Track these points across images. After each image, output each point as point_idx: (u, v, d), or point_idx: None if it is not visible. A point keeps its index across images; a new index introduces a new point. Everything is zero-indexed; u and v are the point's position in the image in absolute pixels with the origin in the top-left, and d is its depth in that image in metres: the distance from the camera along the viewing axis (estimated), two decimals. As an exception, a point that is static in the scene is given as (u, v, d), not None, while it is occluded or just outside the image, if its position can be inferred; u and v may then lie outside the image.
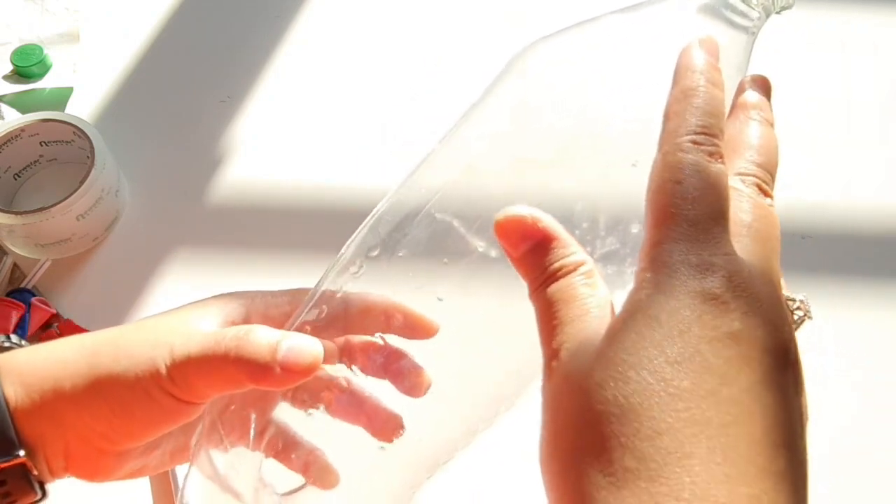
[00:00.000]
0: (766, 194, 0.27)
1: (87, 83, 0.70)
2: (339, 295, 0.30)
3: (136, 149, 0.66)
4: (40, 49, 0.70)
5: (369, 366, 0.30)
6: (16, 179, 0.63)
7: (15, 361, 0.32)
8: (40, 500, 0.32)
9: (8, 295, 0.58)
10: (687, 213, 0.23)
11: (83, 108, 0.68)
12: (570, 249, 0.25)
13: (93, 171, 0.59)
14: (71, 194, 0.57)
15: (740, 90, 0.29)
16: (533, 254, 0.25)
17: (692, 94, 0.25)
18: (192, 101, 0.69)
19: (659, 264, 0.23)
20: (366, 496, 0.31)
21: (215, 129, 0.68)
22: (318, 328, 0.30)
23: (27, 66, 0.69)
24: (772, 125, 0.28)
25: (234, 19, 0.74)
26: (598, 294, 0.24)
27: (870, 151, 0.67)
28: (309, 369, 0.28)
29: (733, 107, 0.28)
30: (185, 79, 0.71)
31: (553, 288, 0.24)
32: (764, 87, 0.29)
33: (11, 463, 0.30)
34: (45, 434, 0.31)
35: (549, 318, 0.24)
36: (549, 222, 0.25)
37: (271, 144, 0.67)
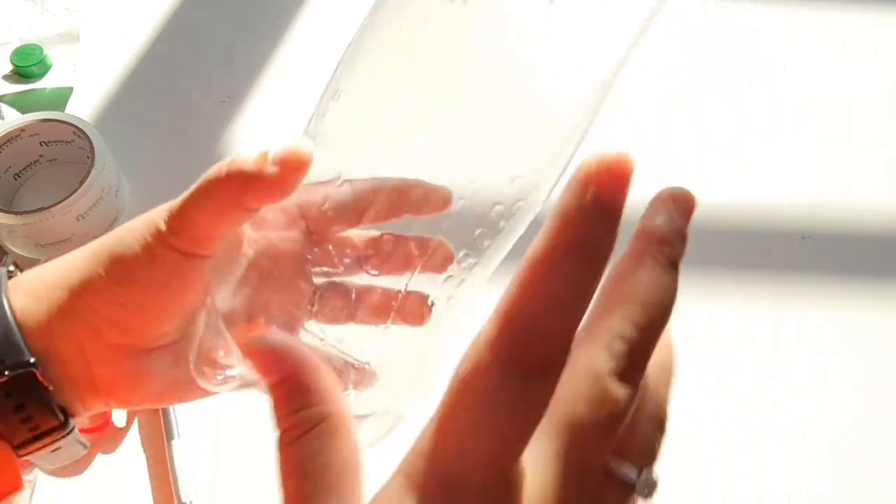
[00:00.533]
0: (633, 369, 0.21)
1: (87, 83, 0.70)
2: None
3: (136, 149, 0.66)
4: (40, 49, 0.70)
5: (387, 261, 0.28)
6: (16, 179, 0.63)
7: (23, 276, 0.33)
8: (63, 427, 0.31)
9: (8, 295, 0.58)
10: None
11: (83, 108, 0.68)
12: (314, 398, 0.23)
13: (93, 171, 0.59)
14: (71, 194, 0.57)
15: (646, 213, 0.23)
16: (282, 387, 0.23)
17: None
18: (192, 101, 0.69)
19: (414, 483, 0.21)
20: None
21: (215, 129, 0.68)
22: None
23: (27, 66, 0.69)
24: (676, 267, 0.22)
25: (234, 19, 0.74)
26: (338, 459, 0.22)
27: (870, 151, 0.67)
28: (304, 161, 0.27)
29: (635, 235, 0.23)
30: (185, 79, 0.71)
31: (295, 450, 0.22)
32: (685, 206, 0.23)
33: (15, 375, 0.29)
34: (58, 336, 0.31)
35: (291, 488, 0.22)
36: (299, 360, 0.23)
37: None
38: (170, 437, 0.52)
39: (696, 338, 0.58)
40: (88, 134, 0.60)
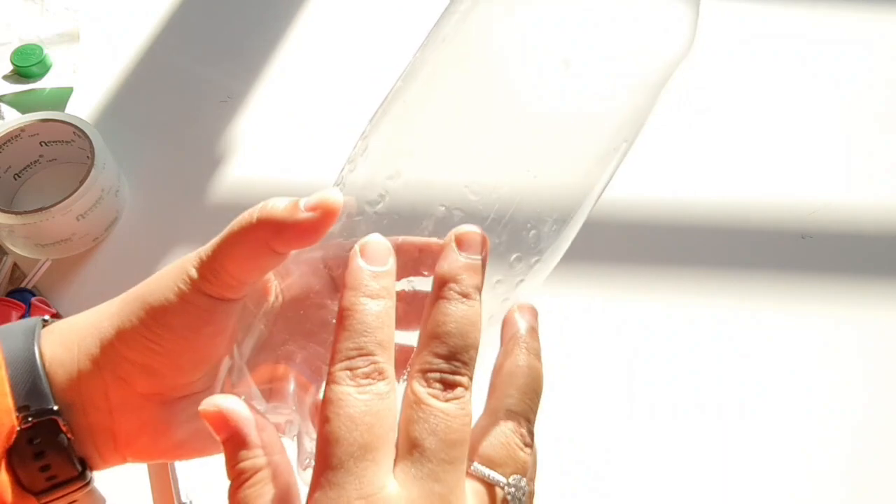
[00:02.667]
0: (450, 386, 0.26)
1: (87, 83, 0.70)
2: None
3: (136, 149, 0.66)
4: (40, 49, 0.70)
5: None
6: (16, 179, 0.63)
7: (56, 325, 0.33)
8: (80, 478, 0.32)
9: (8, 295, 0.58)
10: (331, 455, 0.24)
11: (83, 108, 0.68)
12: (251, 453, 0.26)
13: (93, 171, 0.59)
14: (71, 194, 0.57)
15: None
16: (230, 443, 0.27)
17: (346, 315, 0.26)
18: (192, 101, 0.69)
19: None
20: None
21: (215, 129, 0.68)
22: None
23: (27, 66, 0.69)
24: (468, 296, 0.27)
25: (234, 19, 0.74)
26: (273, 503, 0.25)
27: (870, 151, 0.67)
28: (333, 208, 0.28)
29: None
30: (185, 79, 0.71)
31: (238, 497, 0.26)
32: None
33: (33, 422, 0.30)
34: (85, 386, 0.31)
35: None
36: (240, 420, 0.27)
37: (271, 144, 0.67)
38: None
39: (696, 337, 0.58)
40: (88, 134, 0.60)
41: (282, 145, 0.67)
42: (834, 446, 0.54)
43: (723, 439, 0.54)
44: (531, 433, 0.27)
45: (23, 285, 0.59)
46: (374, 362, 0.25)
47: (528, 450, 0.27)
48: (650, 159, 0.65)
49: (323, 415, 0.25)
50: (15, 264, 0.60)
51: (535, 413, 0.28)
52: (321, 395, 0.28)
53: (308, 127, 0.68)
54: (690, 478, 0.52)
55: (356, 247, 0.27)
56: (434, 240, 0.29)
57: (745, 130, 0.68)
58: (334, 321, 0.27)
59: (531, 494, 0.27)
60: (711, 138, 0.67)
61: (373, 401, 0.25)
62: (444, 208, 0.29)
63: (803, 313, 0.59)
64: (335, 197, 0.29)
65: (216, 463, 0.51)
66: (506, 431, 0.27)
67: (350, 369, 0.25)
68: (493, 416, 0.27)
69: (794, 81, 0.70)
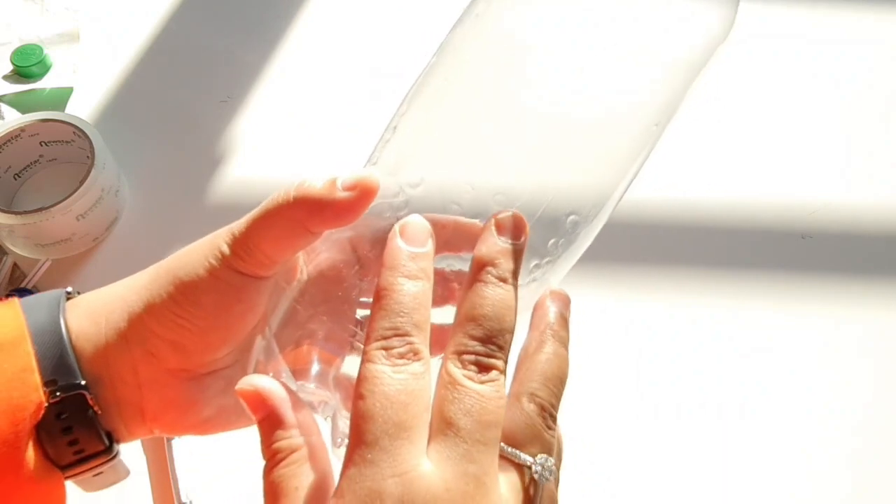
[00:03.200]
0: (485, 369, 0.26)
1: (87, 83, 0.70)
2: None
3: (136, 149, 0.66)
4: (40, 49, 0.70)
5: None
6: (16, 179, 0.63)
7: (82, 298, 0.33)
8: (107, 452, 0.32)
9: (8, 295, 0.58)
10: (365, 432, 0.24)
11: (83, 108, 0.68)
12: (286, 433, 0.26)
13: (93, 171, 0.59)
14: (71, 194, 0.57)
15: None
16: (266, 423, 0.27)
17: (383, 294, 0.26)
18: (192, 101, 0.69)
19: (338, 494, 0.24)
20: None
21: (215, 129, 0.68)
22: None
23: (27, 66, 0.69)
24: (506, 280, 0.27)
25: (234, 20, 0.74)
26: (309, 483, 0.26)
27: (870, 151, 0.67)
28: (371, 188, 0.28)
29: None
30: (185, 79, 0.71)
31: (272, 476, 0.26)
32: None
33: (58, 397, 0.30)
34: (113, 360, 0.31)
35: None
36: (276, 400, 0.27)
37: (271, 144, 0.67)
38: (170, 437, 0.52)
39: (696, 337, 0.58)
40: (88, 134, 0.60)
41: (282, 145, 0.67)
42: (834, 446, 0.54)
43: (723, 439, 0.54)
44: (554, 418, 0.27)
45: (23, 285, 0.59)
46: (410, 342, 0.25)
47: (551, 431, 0.27)
48: (650, 159, 0.65)
49: (358, 392, 0.25)
50: (15, 264, 0.60)
51: (559, 400, 0.28)
52: (343, 370, 0.28)
53: (308, 127, 0.68)
54: (692, 477, 0.52)
55: (396, 227, 0.27)
56: (467, 219, 0.29)
57: (746, 130, 0.68)
58: (358, 297, 0.27)
59: (556, 478, 0.27)
60: (712, 138, 0.67)
61: (408, 380, 0.25)
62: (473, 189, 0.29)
63: (803, 313, 0.59)
64: (373, 176, 0.29)
65: (216, 463, 0.51)
66: (530, 414, 0.26)
67: (385, 349, 0.25)
68: (517, 399, 0.27)
69: (794, 81, 0.70)
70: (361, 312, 0.31)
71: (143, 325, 0.31)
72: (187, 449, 0.52)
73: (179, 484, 0.49)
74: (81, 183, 0.58)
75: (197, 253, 0.31)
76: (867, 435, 0.54)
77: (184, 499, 0.49)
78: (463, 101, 0.30)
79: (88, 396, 0.30)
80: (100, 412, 0.31)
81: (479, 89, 0.29)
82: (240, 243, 0.30)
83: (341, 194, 0.28)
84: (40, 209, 0.57)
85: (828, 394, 0.56)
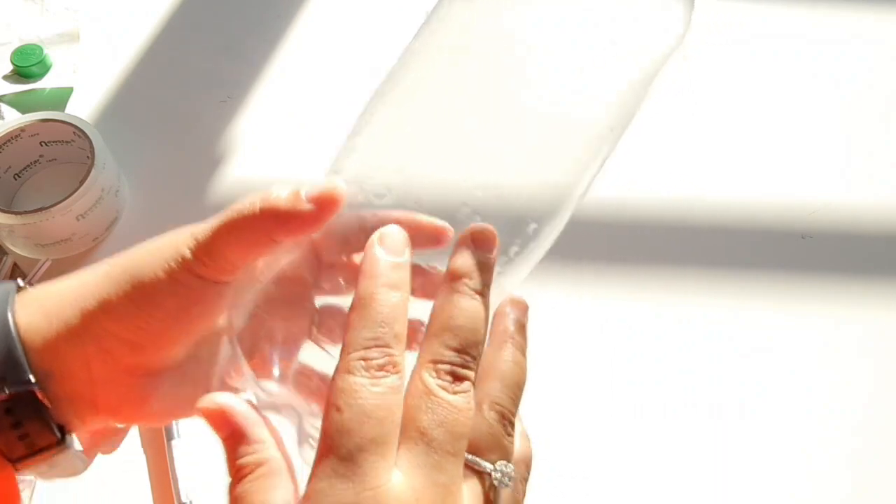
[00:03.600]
0: (459, 379, 0.26)
1: (87, 83, 0.70)
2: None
3: (136, 149, 0.66)
4: (40, 49, 0.70)
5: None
6: (16, 179, 0.63)
7: (33, 292, 0.33)
8: (59, 444, 0.31)
9: (8, 295, 0.58)
10: (340, 446, 0.24)
11: (83, 108, 0.68)
12: (251, 448, 0.27)
13: (93, 171, 0.59)
14: (71, 194, 0.57)
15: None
16: (230, 440, 0.27)
17: (363, 303, 0.26)
18: (192, 101, 0.69)
19: None
20: None
21: (215, 129, 0.68)
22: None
23: (27, 66, 0.69)
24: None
25: (234, 19, 0.74)
26: (272, 498, 0.26)
27: (870, 151, 0.67)
28: (337, 198, 0.29)
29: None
30: (185, 79, 0.71)
31: (237, 491, 0.26)
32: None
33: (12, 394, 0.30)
34: (65, 355, 0.31)
35: None
36: (239, 417, 0.27)
37: (271, 144, 0.67)
38: (170, 436, 0.52)
39: (696, 337, 0.58)
40: (88, 134, 0.60)
41: (282, 145, 0.67)
42: (834, 446, 0.54)
43: (723, 439, 0.54)
44: (513, 424, 0.28)
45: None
46: (390, 355, 0.25)
47: (510, 438, 0.28)
48: (651, 159, 0.65)
49: (334, 403, 0.25)
50: (15, 264, 0.60)
51: (517, 406, 0.28)
52: (301, 359, 0.29)
53: (308, 127, 0.68)
54: (691, 478, 0.53)
55: (375, 235, 0.27)
56: (426, 216, 0.29)
57: (746, 130, 0.68)
58: (313, 300, 0.27)
59: (523, 480, 0.28)
60: (712, 138, 0.67)
61: (386, 394, 0.25)
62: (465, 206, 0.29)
63: (803, 313, 0.59)
64: (338, 187, 0.29)
65: (216, 463, 0.51)
66: (492, 422, 0.27)
67: (365, 360, 0.25)
68: (478, 407, 0.27)
69: (794, 81, 0.70)
70: (320, 301, 0.31)
71: (97, 322, 0.31)
72: (187, 449, 0.52)
73: (179, 484, 0.50)
74: (81, 183, 0.58)
75: (155, 255, 0.31)
76: (867, 435, 0.54)
77: (184, 499, 0.49)
78: (424, 108, 0.30)
79: (39, 393, 0.30)
80: (50, 407, 0.31)
81: (437, 96, 0.30)
82: (203, 249, 0.30)
83: (306, 206, 0.29)
84: (40, 209, 0.57)
85: (828, 394, 0.56)
